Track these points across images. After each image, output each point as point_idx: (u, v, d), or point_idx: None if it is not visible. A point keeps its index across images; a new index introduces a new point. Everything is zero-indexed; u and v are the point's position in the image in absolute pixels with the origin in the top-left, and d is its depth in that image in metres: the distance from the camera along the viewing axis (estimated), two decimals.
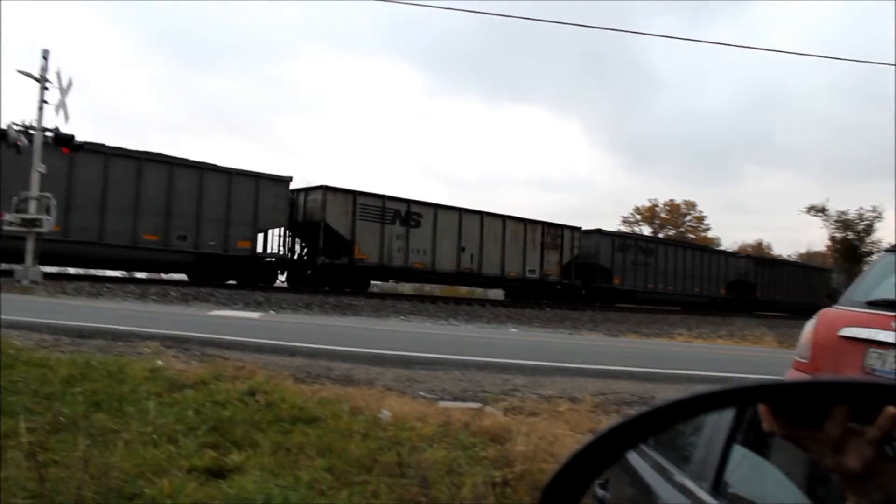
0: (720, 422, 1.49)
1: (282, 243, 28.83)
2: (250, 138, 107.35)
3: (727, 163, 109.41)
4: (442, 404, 6.12)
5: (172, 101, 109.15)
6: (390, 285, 37.64)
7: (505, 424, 5.04)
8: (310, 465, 3.88)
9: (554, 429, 5.05)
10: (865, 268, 6.32)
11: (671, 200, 76.62)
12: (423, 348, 10.05)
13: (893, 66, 31.91)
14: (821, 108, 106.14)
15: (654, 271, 38.95)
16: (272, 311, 19.22)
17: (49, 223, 18.73)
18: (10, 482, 3.28)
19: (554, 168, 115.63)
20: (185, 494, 3.34)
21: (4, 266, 22.03)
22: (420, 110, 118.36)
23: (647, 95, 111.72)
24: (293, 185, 28.18)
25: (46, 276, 19.53)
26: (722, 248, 59.18)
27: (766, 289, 45.56)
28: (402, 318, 22.50)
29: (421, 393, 6.75)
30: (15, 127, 18.55)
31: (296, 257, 29.45)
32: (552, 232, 34.94)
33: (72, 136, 19.29)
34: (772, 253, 71.41)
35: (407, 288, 39.10)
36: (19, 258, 18.66)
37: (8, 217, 18.49)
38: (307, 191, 28.41)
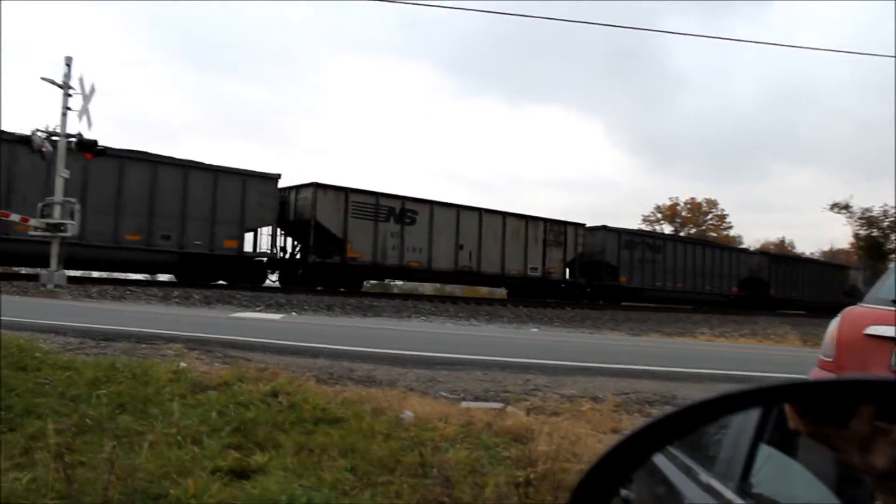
0: (746, 420, 1.47)
1: (274, 242, 28.37)
2: (273, 142, 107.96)
3: (750, 161, 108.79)
4: (464, 404, 6.12)
5: (196, 106, 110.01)
6: (411, 286, 37.56)
7: (527, 424, 5.03)
8: (333, 465, 3.89)
9: (576, 428, 5.04)
10: (891, 265, 6.25)
11: (692, 199, 76.16)
12: (444, 349, 10.05)
13: (894, 59, 31.47)
14: (844, 104, 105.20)
15: (663, 269, 38.09)
16: (294, 313, 19.30)
17: (73, 228, 18.93)
18: (38, 483, 3.32)
19: (576, 169, 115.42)
20: (210, 495, 3.37)
21: (26, 270, 22.37)
22: (442, 113, 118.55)
23: (670, 95, 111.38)
24: (284, 183, 27.68)
25: (71, 279, 19.71)
26: (745, 246, 58.73)
27: (781, 286, 44.49)
28: (424, 318, 22.53)
29: (443, 393, 6.75)
30: (39, 133, 18.76)
31: (288, 256, 29.04)
32: (555, 229, 34.24)
33: (95, 142, 19.48)
34: (795, 251, 70.83)
35: (427, 288, 39.06)
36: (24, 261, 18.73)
37: (33, 222, 18.71)
38: (298, 188, 27.91)
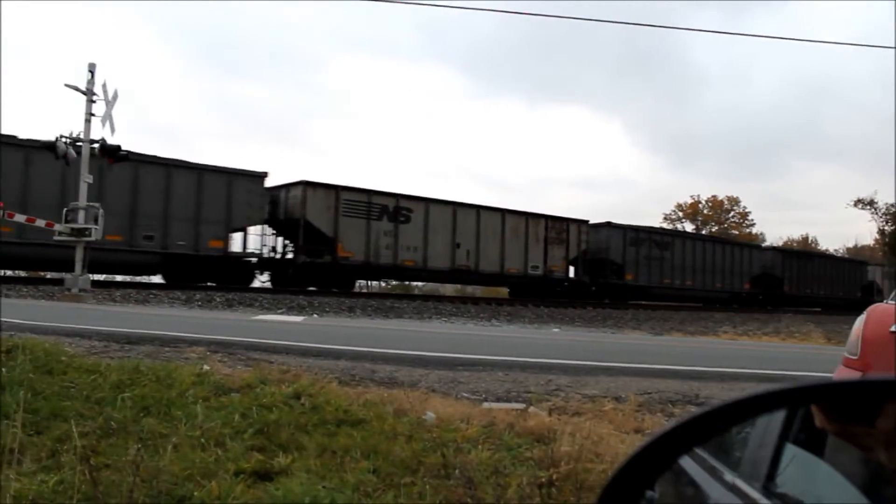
0: (771, 420, 1.46)
1: (265, 242, 27.99)
2: (292, 145, 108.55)
3: (771, 158, 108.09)
4: (486, 405, 6.11)
5: (214, 110, 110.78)
6: (431, 286, 37.46)
7: (549, 425, 5.01)
8: (355, 467, 3.90)
9: (599, 428, 5.02)
10: None
11: (714, 197, 75.69)
12: (466, 349, 10.05)
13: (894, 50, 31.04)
14: (867, 98, 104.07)
15: (671, 266, 37.27)
16: (315, 315, 19.38)
17: (97, 232, 19.12)
18: (65, 485, 3.35)
19: (596, 168, 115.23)
20: (234, 497, 3.39)
21: (50, 275, 22.58)
22: (462, 114, 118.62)
23: (690, 93, 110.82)
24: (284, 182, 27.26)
25: (94, 283, 19.91)
26: (768, 243, 58.24)
27: (795, 283, 43.51)
28: (445, 319, 22.54)
29: (465, 394, 6.75)
30: (63, 140, 18.97)
31: (278, 256, 28.50)
32: (556, 226, 33.55)
33: (118, 147, 19.68)
34: (818, 248, 70.21)
35: (448, 289, 38.97)
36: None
37: (58, 227, 18.93)
38: (288, 187, 27.44)
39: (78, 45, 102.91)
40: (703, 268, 38.94)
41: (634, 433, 5.21)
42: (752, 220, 76.25)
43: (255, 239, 27.69)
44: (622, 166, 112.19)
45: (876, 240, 59.18)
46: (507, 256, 31.79)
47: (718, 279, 39.74)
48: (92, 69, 19.21)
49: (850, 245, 71.79)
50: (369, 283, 37.29)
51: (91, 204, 19.13)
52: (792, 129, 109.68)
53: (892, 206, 52.28)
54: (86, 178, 19.02)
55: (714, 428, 1.10)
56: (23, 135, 21.90)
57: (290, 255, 27.92)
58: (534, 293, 32.45)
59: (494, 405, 6.12)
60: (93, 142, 19.31)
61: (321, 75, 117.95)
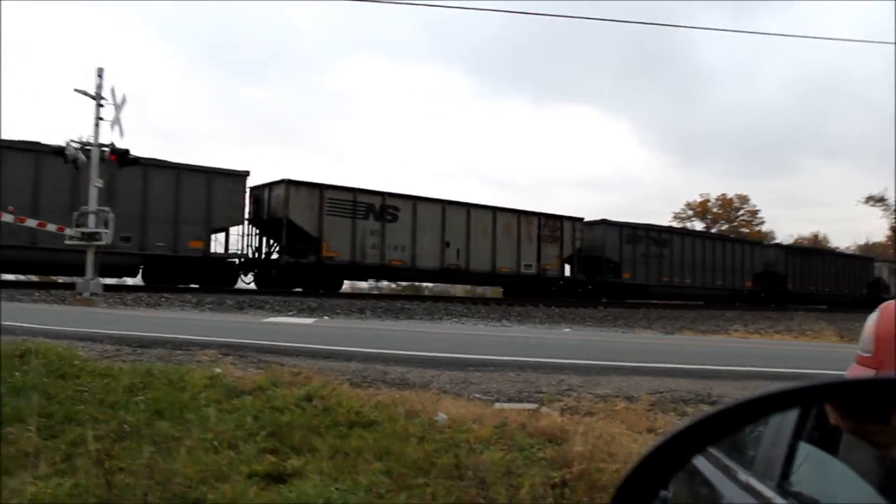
0: (785, 418, 1.45)
1: (249, 242, 27.37)
2: (299, 147, 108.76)
3: (781, 155, 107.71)
4: (498, 406, 6.10)
5: (220, 112, 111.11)
6: (440, 287, 37.32)
7: (561, 425, 5.01)
8: (368, 468, 3.91)
9: (611, 428, 5.01)
10: None
11: (723, 195, 75.43)
12: (477, 350, 10.05)
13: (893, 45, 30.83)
14: (876, 95, 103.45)
15: (670, 263, 36.60)
16: (326, 317, 19.40)
17: (108, 237, 19.20)
18: (80, 489, 3.37)
19: (604, 168, 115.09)
20: (247, 499, 3.40)
21: (62, 279, 22.65)
22: (468, 114, 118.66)
23: (698, 91, 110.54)
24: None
25: (105, 287, 19.99)
26: (777, 241, 57.98)
27: (799, 280, 42.76)
28: (455, 320, 22.53)
29: (476, 395, 6.74)
30: (73, 144, 19.06)
31: (262, 257, 27.85)
32: (550, 224, 32.89)
33: (127, 151, 19.75)
34: (829, 245, 69.90)
35: (458, 290, 38.88)
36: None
37: (69, 231, 19.02)
38: (271, 186, 26.82)
39: (77, 46, 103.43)
40: (702, 265, 38.32)
41: (647, 433, 5.20)
42: (762, 217, 75.98)
43: (239, 239, 27.16)
44: (630, 166, 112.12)
45: (888, 236, 58.90)
46: (499, 255, 31.22)
47: (719, 277, 39.12)
48: (100, 73, 19.30)
49: (862, 242, 71.50)
50: (379, 284, 37.12)
51: (101, 208, 19.22)
52: (800, 126, 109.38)
53: None
54: (95, 183, 19.10)
55: (727, 427, 1.10)
56: (27, 138, 22.12)
57: (274, 256, 27.45)
58: (527, 293, 32.05)
59: (506, 405, 6.12)
60: (101, 146, 19.38)
61: (326, 76, 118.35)
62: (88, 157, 19.12)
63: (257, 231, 27.70)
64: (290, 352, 8.63)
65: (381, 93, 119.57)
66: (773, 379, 8.32)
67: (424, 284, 37.88)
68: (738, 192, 76.54)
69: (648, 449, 1.02)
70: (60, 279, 24.41)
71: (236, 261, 26.99)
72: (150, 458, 3.53)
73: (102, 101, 19.25)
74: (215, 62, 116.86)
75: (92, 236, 19.00)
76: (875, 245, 67.04)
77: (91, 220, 19.11)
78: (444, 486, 3.65)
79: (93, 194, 19.12)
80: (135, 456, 3.82)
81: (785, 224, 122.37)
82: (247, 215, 26.83)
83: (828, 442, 1.32)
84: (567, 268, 34.16)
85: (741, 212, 75.75)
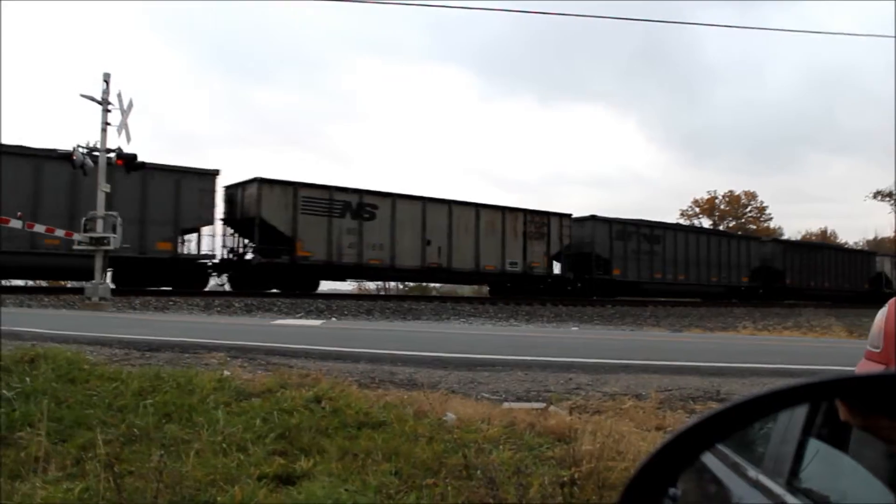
0: (794, 415, 1.45)
1: (225, 243, 27.09)
2: (307, 149, 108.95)
3: (788, 152, 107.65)
4: (506, 405, 6.10)
5: (229, 115, 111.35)
6: (449, 288, 37.21)
7: (570, 423, 4.99)
8: (377, 469, 3.91)
9: (620, 426, 4.99)
10: None
11: (730, 192, 75.30)
12: (485, 350, 10.05)
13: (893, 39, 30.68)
14: (883, 90, 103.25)
15: (662, 260, 36.05)
16: (333, 318, 19.43)
17: (116, 241, 19.26)
18: (90, 492, 3.38)
19: (612, 166, 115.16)
20: (256, 501, 3.40)
21: (71, 284, 22.71)
22: (475, 115, 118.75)
23: (704, 89, 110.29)
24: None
25: (114, 291, 20.04)
26: (785, 236, 57.80)
27: (797, 275, 42.25)
28: (463, 320, 22.54)
29: (485, 394, 6.74)
30: (80, 149, 19.12)
31: (236, 258, 27.20)
32: (536, 220, 32.33)
33: (135, 156, 19.80)
34: (837, 240, 69.69)
35: (466, 290, 38.82)
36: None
37: (77, 237, 19.09)
38: (244, 185, 26.27)
39: (85, 50, 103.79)
40: (696, 261, 37.75)
41: (656, 430, 5.18)
42: (770, 214, 75.87)
43: (211, 240, 26.75)
44: (638, 164, 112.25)
45: None
46: (483, 253, 30.59)
47: (714, 273, 38.61)
48: (107, 79, 19.34)
49: (870, 237, 71.29)
50: (387, 285, 36.86)
51: (109, 213, 19.27)
52: (807, 122, 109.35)
53: None
54: (103, 188, 19.15)
55: (736, 424, 1.10)
56: (28, 143, 22.22)
57: (248, 256, 26.85)
58: (514, 291, 31.46)
59: (515, 405, 6.11)
60: (108, 151, 19.44)
61: (334, 79, 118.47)
62: (96, 163, 19.18)
63: (232, 231, 27.28)
64: (298, 353, 8.64)
65: (388, 94, 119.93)
66: (782, 376, 8.30)
67: (432, 285, 37.74)
68: (746, 189, 76.51)
69: (657, 446, 1.02)
70: (69, 284, 24.45)
71: (208, 262, 26.43)
72: (159, 462, 3.54)
73: (109, 107, 19.31)
74: (221, 65, 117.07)
75: (100, 241, 19.06)
76: (883, 240, 66.83)
77: (99, 224, 19.16)
78: (454, 486, 3.65)
79: (100, 199, 19.18)
80: (144, 459, 3.83)
81: (793, 220, 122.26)
82: (221, 215, 26.46)
83: (837, 438, 1.31)
84: (557, 266, 33.69)
85: (749, 208, 75.63)
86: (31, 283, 24.89)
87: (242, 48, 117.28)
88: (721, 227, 68.46)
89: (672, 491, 1.43)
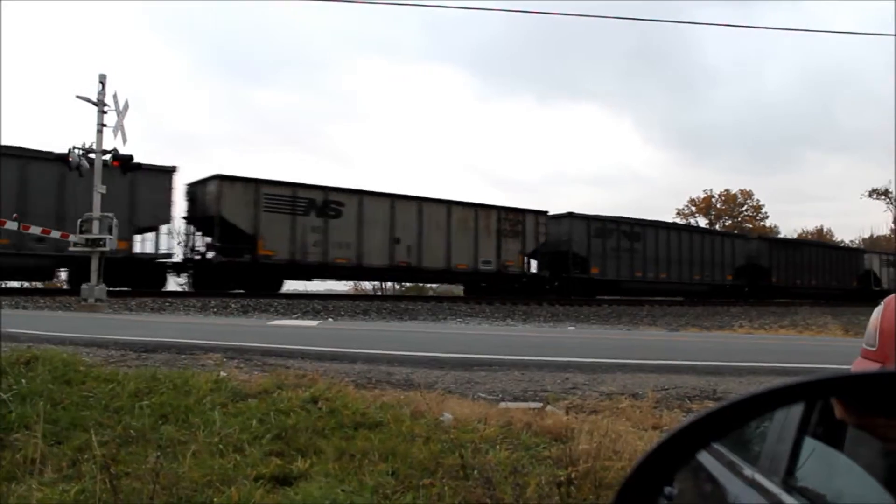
0: (790, 413, 1.45)
1: (186, 242, 26.46)
2: (307, 149, 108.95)
3: (785, 150, 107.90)
4: (503, 405, 6.10)
5: (228, 116, 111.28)
6: (445, 288, 37.02)
7: (567, 423, 5.00)
8: (374, 469, 3.91)
9: (616, 426, 5.00)
10: None
11: (726, 191, 75.44)
12: (481, 349, 10.05)
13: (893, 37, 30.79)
14: (880, 88, 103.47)
15: (643, 258, 35.21)
16: (330, 319, 19.42)
17: (112, 242, 19.24)
18: (86, 494, 3.38)
19: (610, 165, 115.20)
20: (253, 502, 3.40)
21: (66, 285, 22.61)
22: (472, 115, 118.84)
23: (702, 88, 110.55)
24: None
25: (110, 293, 20.01)
26: (782, 235, 57.85)
27: (784, 273, 41.49)
28: (460, 319, 22.53)
29: (481, 394, 6.74)
30: (76, 151, 19.09)
31: (198, 257, 26.41)
32: (511, 218, 31.50)
33: (131, 157, 19.77)
34: (833, 239, 69.84)
35: (460, 290, 38.76)
36: None
37: (73, 238, 19.07)
38: (205, 182, 25.64)
39: (83, 50, 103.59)
40: (678, 259, 36.87)
41: (652, 430, 5.19)
42: (766, 212, 76.01)
43: (169, 239, 25.94)
44: (635, 163, 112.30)
45: (892, 229, 58.78)
46: (455, 251, 29.77)
47: (697, 271, 37.76)
48: (103, 80, 19.33)
49: (866, 236, 71.44)
50: (384, 284, 36.59)
51: (105, 214, 19.24)
52: (805, 121, 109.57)
53: None
54: (99, 189, 19.13)
55: (732, 423, 1.10)
56: (22, 144, 22.13)
57: (209, 255, 26.15)
58: (489, 291, 30.77)
59: (511, 405, 6.12)
60: (104, 152, 19.41)
61: (333, 79, 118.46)
62: (92, 164, 19.16)
63: (194, 230, 26.65)
64: (294, 354, 8.63)
65: (387, 94, 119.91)
66: (779, 374, 8.31)
67: (429, 286, 37.63)
68: (743, 188, 76.63)
69: (653, 445, 1.02)
70: (65, 286, 24.35)
71: (167, 261, 25.85)
72: (155, 463, 3.53)
73: (105, 108, 19.29)
74: (220, 65, 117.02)
75: (96, 242, 19.04)
76: (879, 238, 66.99)
77: (95, 226, 19.14)
78: (451, 486, 3.65)
79: (96, 201, 19.16)
80: (140, 461, 3.82)
81: (789, 218, 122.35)
82: (183, 213, 25.97)
83: (833, 437, 1.31)
84: (534, 264, 33.06)
85: (745, 207, 75.77)
86: (26, 284, 24.68)
87: (241, 48, 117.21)
88: (717, 226, 68.58)
89: (668, 490, 1.43)
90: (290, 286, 30.06)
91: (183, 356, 8.09)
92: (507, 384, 7.28)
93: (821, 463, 1.38)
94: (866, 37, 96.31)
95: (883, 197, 54.64)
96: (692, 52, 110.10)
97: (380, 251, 28.00)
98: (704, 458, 1.64)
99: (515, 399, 6.57)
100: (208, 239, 26.25)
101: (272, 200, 25.77)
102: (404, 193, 29.32)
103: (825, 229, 78.42)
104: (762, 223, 73.64)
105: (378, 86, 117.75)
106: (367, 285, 37.31)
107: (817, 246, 49.94)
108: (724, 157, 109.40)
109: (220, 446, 4.19)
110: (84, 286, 19.06)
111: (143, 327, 11.98)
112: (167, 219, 24.99)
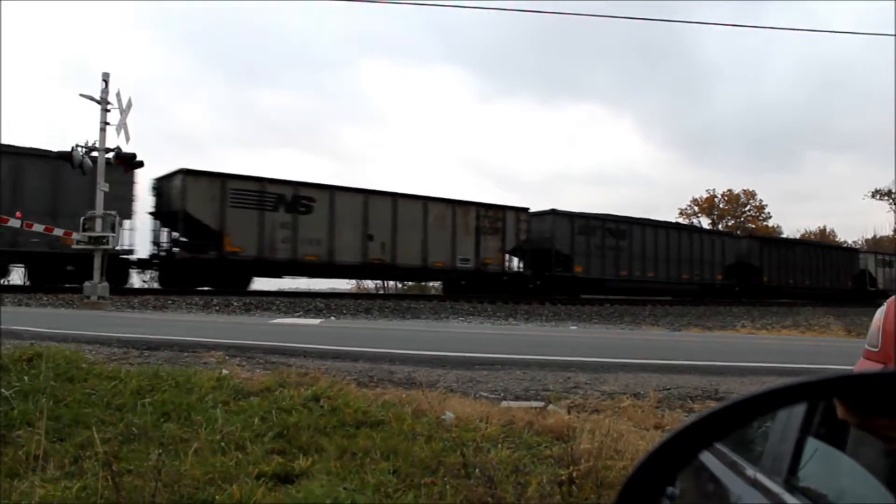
0: (792, 413, 1.44)
1: (152, 238, 25.82)
2: (313, 150, 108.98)
3: (787, 150, 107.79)
4: (504, 404, 6.10)
5: (231, 115, 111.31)
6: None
7: (568, 422, 4.99)
8: (375, 468, 3.91)
9: (618, 425, 4.99)
10: None
11: (729, 190, 75.33)
12: (483, 348, 10.05)
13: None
14: (882, 88, 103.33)
15: (629, 256, 34.41)
16: (332, 317, 19.43)
17: (115, 240, 19.27)
18: (88, 491, 3.38)
19: (611, 164, 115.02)
20: (255, 500, 3.40)
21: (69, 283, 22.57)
22: (475, 115, 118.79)
23: (703, 88, 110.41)
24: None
25: (113, 290, 20.03)
26: (785, 235, 57.75)
27: (775, 272, 40.60)
28: (462, 318, 22.53)
29: (483, 393, 6.74)
30: (79, 149, 19.11)
31: (165, 253, 25.84)
32: (490, 214, 30.84)
33: (133, 155, 19.79)
34: (837, 239, 69.75)
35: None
36: None
37: (76, 236, 19.09)
38: (170, 177, 25.12)
39: (76, 47, 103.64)
40: (666, 258, 36.04)
41: (654, 429, 5.19)
42: (769, 212, 75.88)
43: (131, 234, 25.02)
44: (637, 162, 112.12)
45: (895, 229, 58.68)
46: (431, 249, 29.08)
47: (686, 270, 36.87)
48: (106, 78, 19.34)
49: (869, 236, 71.34)
50: (386, 284, 36.37)
51: (108, 212, 19.26)
52: (807, 120, 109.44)
53: None
54: (102, 187, 19.15)
55: (734, 423, 1.10)
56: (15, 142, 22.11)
57: (175, 251, 25.66)
58: (468, 290, 30.18)
59: (513, 404, 6.11)
60: (107, 150, 19.43)
61: (338, 79, 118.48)
62: (95, 162, 19.18)
63: (160, 225, 26.10)
64: (296, 352, 8.64)
65: (390, 95, 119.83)
66: (781, 375, 8.31)
67: (431, 284, 37.53)
68: (745, 188, 76.52)
69: (655, 445, 1.02)
70: (67, 283, 24.30)
71: (130, 257, 25.10)
72: (157, 460, 3.53)
73: (108, 106, 19.30)
74: (223, 65, 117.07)
75: (99, 240, 19.06)
76: (882, 238, 66.89)
77: (98, 223, 19.16)
78: (452, 485, 3.64)
79: (99, 198, 19.18)
80: (142, 458, 3.82)
81: (792, 219, 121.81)
82: (150, 209, 25.59)
83: (835, 437, 1.31)
84: (516, 262, 32.57)
85: (748, 207, 75.66)
86: (28, 282, 24.63)
87: (244, 48, 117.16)
88: (720, 226, 68.51)
89: (670, 490, 1.42)
90: (291, 285, 30.08)
91: (185, 354, 8.10)
92: (509, 383, 7.28)
93: (823, 463, 1.38)
94: (868, 36, 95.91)
95: (886, 197, 54.52)
96: (693, 51, 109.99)
97: (352, 248, 27.50)
98: (707, 458, 1.64)
99: (517, 398, 6.57)
100: (175, 234, 25.79)
101: (239, 195, 25.24)
102: (378, 189, 28.90)
103: (828, 230, 78.33)
104: (765, 223, 73.55)
105: (381, 86, 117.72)
106: (370, 284, 37.20)
107: (811, 245, 49.10)
108: (727, 156, 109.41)
109: (222, 444, 4.19)
110: (87, 283, 19.08)
111: (145, 325, 11.99)
112: (129, 214, 24.23)
